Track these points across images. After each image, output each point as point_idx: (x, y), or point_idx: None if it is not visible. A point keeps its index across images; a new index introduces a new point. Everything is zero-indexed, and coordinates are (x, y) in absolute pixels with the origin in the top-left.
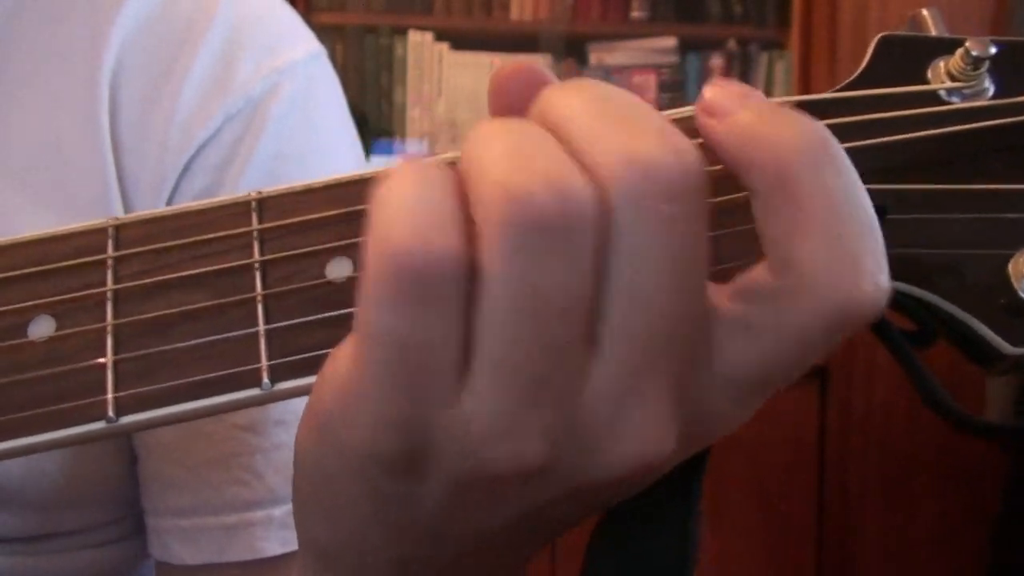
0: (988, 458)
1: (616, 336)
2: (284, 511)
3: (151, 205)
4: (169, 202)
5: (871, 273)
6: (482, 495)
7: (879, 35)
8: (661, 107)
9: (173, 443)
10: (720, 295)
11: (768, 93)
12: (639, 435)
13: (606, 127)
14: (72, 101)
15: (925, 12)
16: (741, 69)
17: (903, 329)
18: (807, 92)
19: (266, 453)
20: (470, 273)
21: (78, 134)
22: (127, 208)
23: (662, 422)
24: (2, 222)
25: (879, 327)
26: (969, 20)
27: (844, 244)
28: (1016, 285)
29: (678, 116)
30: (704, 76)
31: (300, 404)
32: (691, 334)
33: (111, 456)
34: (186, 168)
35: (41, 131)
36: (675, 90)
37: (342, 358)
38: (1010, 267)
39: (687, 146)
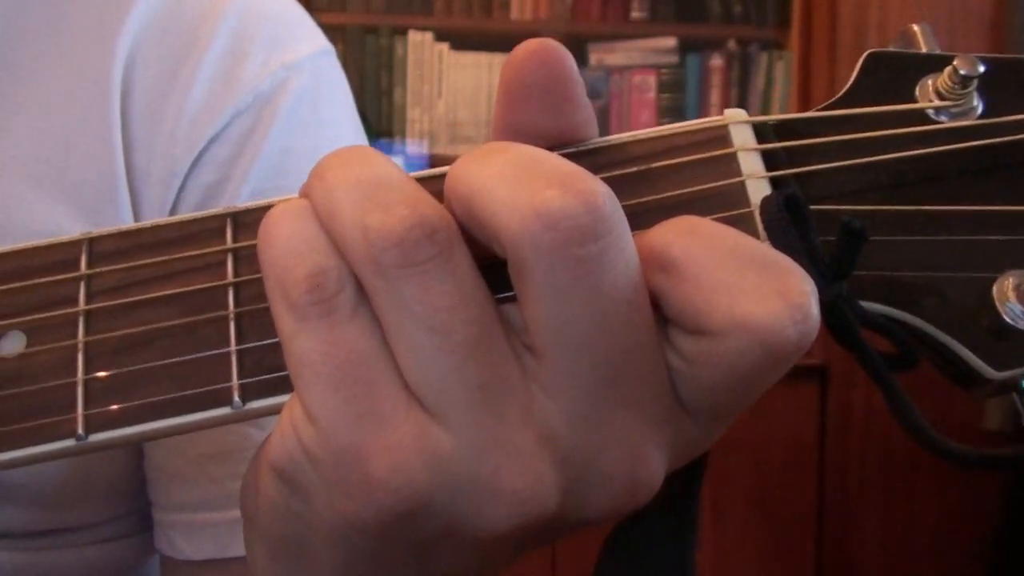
0: None
1: (561, 376)
2: None
3: (160, 199)
4: (178, 196)
5: (773, 304)
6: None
7: (867, 52)
8: (661, 107)
9: None
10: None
11: (768, 93)
12: (624, 463)
13: (508, 189)
14: (82, 94)
15: (916, 27)
16: (741, 69)
17: (885, 353)
18: (807, 92)
19: None
20: (358, 292)
21: (87, 127)
22: (134, 200)
23: (639, 445)
24: (10, 214)
25: (858, 350)
26: (969, 21)
27: (740, 290)
28: (1000, 308)
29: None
30: (704, 76)
31: None
32: (642, 364)
33: (118, 451)
34: (195, 163)
35: (50, 123)
36: (675, 90)
37: (286, 408)
38: (995, 290)
39: (590, 187)
